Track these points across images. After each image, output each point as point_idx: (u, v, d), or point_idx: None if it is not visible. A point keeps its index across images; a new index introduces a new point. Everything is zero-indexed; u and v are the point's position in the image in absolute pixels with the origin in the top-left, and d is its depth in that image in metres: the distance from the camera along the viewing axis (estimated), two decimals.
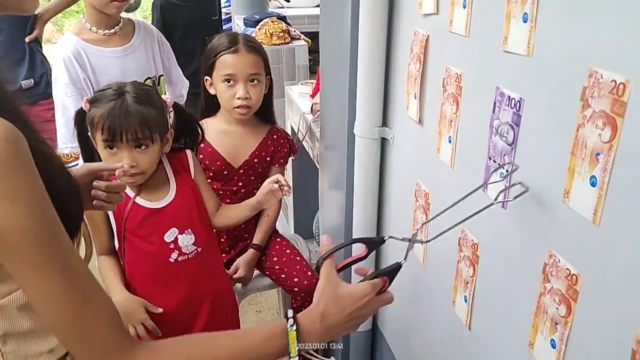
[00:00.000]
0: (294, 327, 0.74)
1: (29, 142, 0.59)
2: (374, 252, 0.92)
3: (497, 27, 0.84)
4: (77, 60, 1.74)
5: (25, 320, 0.72)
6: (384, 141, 1.39)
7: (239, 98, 1.63)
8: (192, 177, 1.49)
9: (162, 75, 1.91)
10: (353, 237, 0.84)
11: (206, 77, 1.67)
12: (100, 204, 1.02)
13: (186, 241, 1.42)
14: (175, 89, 2.03)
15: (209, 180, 1.72)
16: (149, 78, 1.81)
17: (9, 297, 0.69)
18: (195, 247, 1.43)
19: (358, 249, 0.91)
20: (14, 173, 0.56)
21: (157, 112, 1.31)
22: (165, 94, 1.92)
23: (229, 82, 1.63)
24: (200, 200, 1.49)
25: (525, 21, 0.78)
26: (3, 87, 0.64)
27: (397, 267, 0.86)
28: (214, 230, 1.57)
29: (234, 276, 1.79)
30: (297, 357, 0.74)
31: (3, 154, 0.55)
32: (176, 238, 1.40)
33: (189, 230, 1.42)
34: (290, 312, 0.76)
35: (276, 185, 1.41)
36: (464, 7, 0.93)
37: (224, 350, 0.72)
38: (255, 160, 1.73)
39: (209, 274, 1.50)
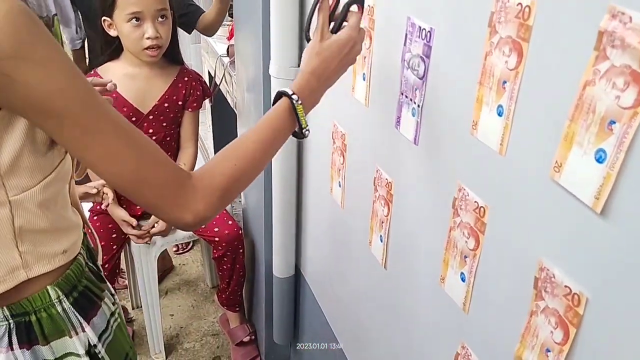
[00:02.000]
0: (299, 102, 0.78)
1: None
2: None
3: None
4: None
5: (42, 219, 0.73)
6: None
7: (148, 38, 1.51)
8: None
9: (56, 14, 1.74)
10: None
11: (104, 18, 1.53)
12: None
13: None
14: (72, 31, 1.86)
15: None
16: (40, 18, 1.64)
17: (28, 192, 0.68)
18: None
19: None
20: (38, 39, 0.57)
21: None
22: (61, 36, 1.75)
23: (135, 20, 1.50)
24: None
25: None
26: None
27: None
28: None
29: (153, 230, 1.72)
30: (308, 129, 0.80)
31: (22, 22, 0.55)
32: None
33: None
34: (288, 90, 0.79)
35: (94, 190, 1.47)
36: None
37: (252, 140, 0.76)
38: (166, 104, 1.63)
39: None
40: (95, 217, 1.74)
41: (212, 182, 0.70)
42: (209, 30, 1.79)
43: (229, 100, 2.02)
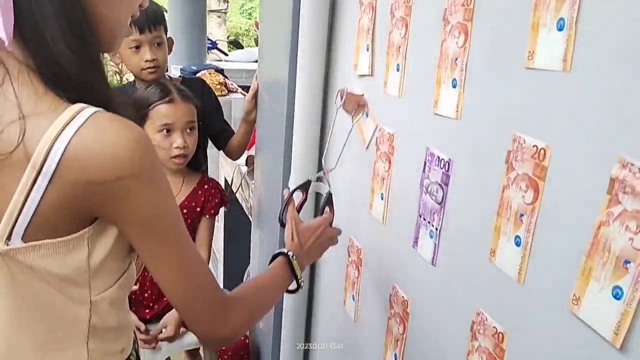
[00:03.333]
0: (294, 257, 0.94)
1: None
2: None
3: (428, 91, 0.88)
4: None
5: (113, 317, 0.76)
6: (319, 196, 1.39)
7: (177, 147, 1.60)
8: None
9: None
10: (291, 190, 1.11)
11: None
12: None
13: None
14: None
15: None
16: None
17: (106, 292, 0.73)
18: None
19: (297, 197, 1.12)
20: (157, 165, 0.67)
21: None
22: None
23: (166, 131, 1.60)
24: None
25: (454, 86, 0.82)
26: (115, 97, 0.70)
27: (329, 195, 1.09)
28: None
29: (160, 335, 1.71)
30: (303, 281, 0.96)
31: (148, 148, 0.65)
32: None
33: None
34: (284, 249, 0.96)
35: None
36: (397, 70, 0.97)
37: (265, 287, 0.90)
38: (185, 210, 1.69)
39: None
40: None
41: (243, 305, 0.80)
42: (234, 154, 1.87)
43: (244, 206, 2.08)
